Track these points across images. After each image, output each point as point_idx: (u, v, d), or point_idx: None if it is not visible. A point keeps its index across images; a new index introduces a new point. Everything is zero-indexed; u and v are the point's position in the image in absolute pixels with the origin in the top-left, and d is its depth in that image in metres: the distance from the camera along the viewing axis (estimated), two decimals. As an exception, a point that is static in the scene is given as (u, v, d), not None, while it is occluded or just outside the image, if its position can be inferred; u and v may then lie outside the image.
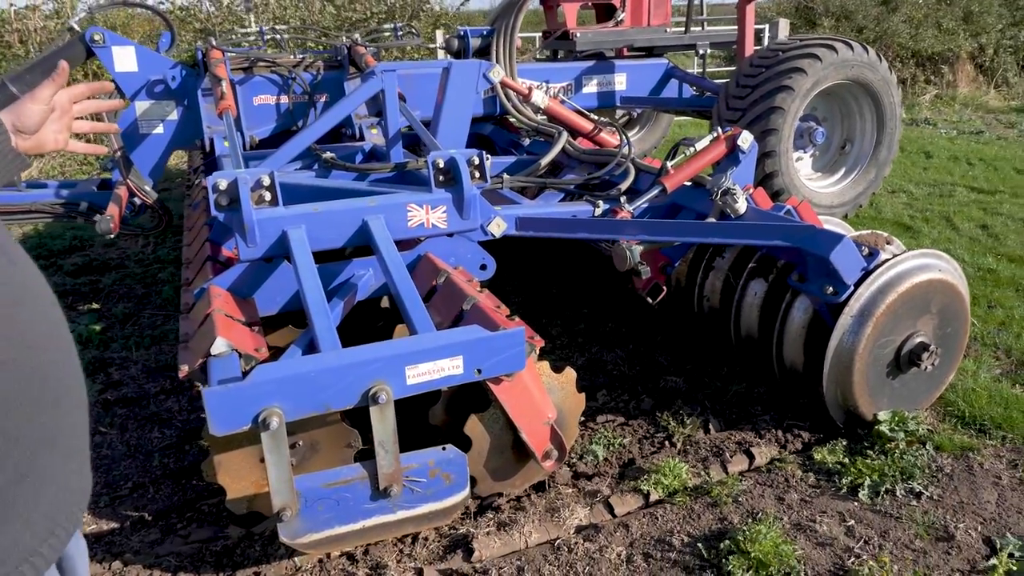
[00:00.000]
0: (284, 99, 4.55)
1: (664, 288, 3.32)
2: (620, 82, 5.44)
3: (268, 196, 2.73)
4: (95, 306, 4.89)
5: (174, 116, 4.39)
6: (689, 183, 3.38)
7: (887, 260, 2.69)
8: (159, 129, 4.38)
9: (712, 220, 3.10)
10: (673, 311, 3.72)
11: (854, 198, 4.85)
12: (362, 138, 4.48)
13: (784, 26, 11.01)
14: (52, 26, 9.82)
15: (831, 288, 2.70)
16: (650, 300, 3.32)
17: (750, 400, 3.24)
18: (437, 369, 2.15)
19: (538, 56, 5.78)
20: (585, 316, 4.23)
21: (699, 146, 3.29)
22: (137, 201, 4.19)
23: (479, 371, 2.20)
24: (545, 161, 4.11)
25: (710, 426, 3.06)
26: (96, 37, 4.14)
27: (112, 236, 3.56)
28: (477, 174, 2.98)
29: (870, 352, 2.69)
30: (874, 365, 2.73)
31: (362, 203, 2.84)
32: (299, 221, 2.72)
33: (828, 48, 4.38)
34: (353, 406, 2.07)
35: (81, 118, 1.60)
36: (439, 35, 9.86)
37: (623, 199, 3.26)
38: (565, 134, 4.23)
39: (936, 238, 5.26)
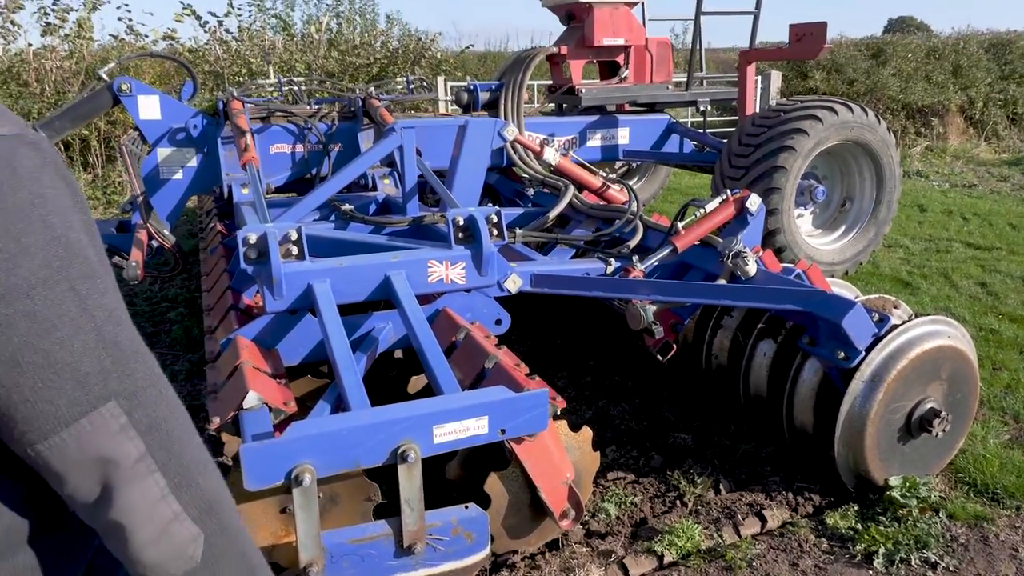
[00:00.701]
0: (299, 148, 4.65)
1: (675, 346, 3.38)
2: (623, 136, 5.58)
3: (295, 250, 2.80)
4: (103, 346, 4.91)
5: (193, 163, 4.48)
6: (698, 243, 3.47)
7: (897, 326, 2.77)
8: (179, 175, 4.47)
9: (723, 282, 3.19)
10: (680, 367, 3.79)
11: (854, 255, 4.97)
12: (375, 188, 4.58)
13: (776, 78, 11.27)
14: (68, 66, 9.98)
15: (842, 353, 2.77)
16: (660, 358, 3.38)
17: (759, 460, 3.29)
18: (463, 429, 2.20)
19: (543, 110, 5.94)
20: (591, 368, 4.29)
21: (708, 208, 3.39)
22: (155, 244, 4.26)
23: (503, 431, 2.25)
24: (553, 214, 4.21)
25: (720, 486, 3.10)
26: (123, 87, 4.26)
27: (137, 282, 3.61)
28: (495, 232, 3.06)
29: (881, 417, 2.75)
30: (885, 430, 2.79)
31: (385, 258, 2.91)
32: (324, 275, 2.79)
33: (828, 110, 4.52)
34: (382, 464, 2.11)
35: None
36: (440, 81, 10.06)
37: (635, 258, 3.34)
38: (572, 188, 4.33)
39: (935, 295, 5.36)
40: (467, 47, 13.37)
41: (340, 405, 2.36)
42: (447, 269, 2.99)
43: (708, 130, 5.91)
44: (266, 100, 5.05)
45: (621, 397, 3.95)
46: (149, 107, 4.43)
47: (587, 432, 2.65)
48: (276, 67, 10.31)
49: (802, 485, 3.07)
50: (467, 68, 14.10)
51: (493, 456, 2.61)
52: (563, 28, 5.70)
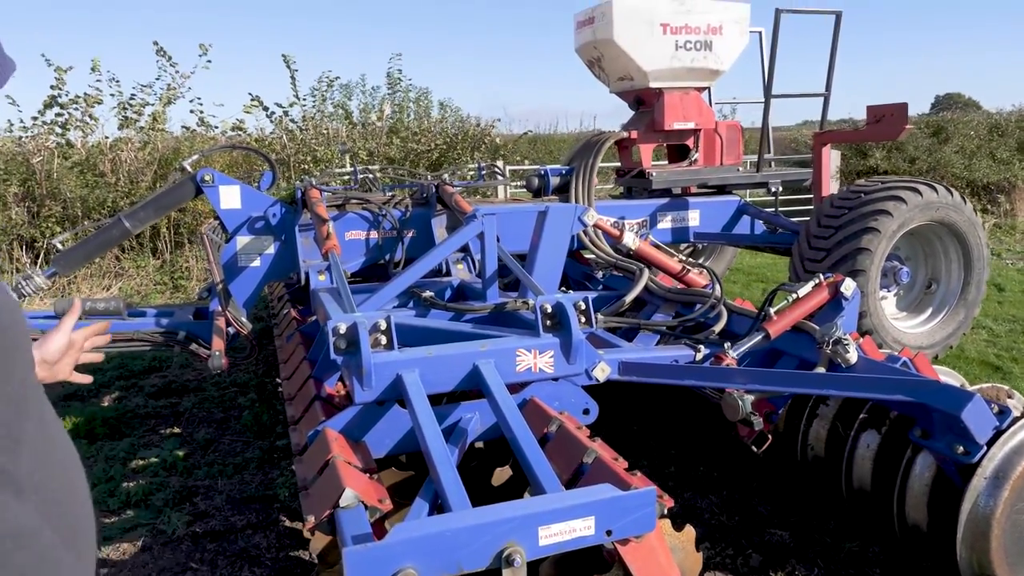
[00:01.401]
0: (374, 234, 4.70)
1: (770, 436, 3.23)
2: (693, 218, 5.53)
3: (384, 340, 2.76)
4: (176, 430, 4.93)
5: (271, 250, 4.56)
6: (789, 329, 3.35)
7: (1019, 418, 2.59)
8: (256, 263, 4.54)
9: (822, 370, 3.05)
10: (769, 457, 3.61)
11: (944, 339, 4.76)
12: (448, 273, 4.58)
13: (836, 157, 11.15)
14: (141, 156, 10.46)
15: (961, 447, 2.59)
16: (755, 449, 3.23)
17: (866, 560, 3.07)
18: (569, 530, 2.09)
19: (612, 194, 5.95)
20: (673, 457, 4.12)
21: (801, 292, 3.28)
22: (231, 331, 4.30)
23: (609, 532, 2.13)
24: (629, 298, 4.15)
25: (828, 589, 2.89)
26: (206, 178, 4.39)
27: (220, 372, 3.63)
28: (583, 319, 3.00)
29: (1008, 518, 2.54)
30: (1012, 531, 2.57)
31: (473, 347, 2.86)
32: (413, 365, 2.74)
33: (912, 191, 4.42)
34: (485, 568, 2.01)
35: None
36: (499, 165, 10.24)
37: (727, 345, 3.23)
38: (647, 271, 4.27)
39: (1030, 380, 5.09)
40: (526, 132, 13.67)
41: (438, 503, 2.27)
42: (535, 357, 2.92)
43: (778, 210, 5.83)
44: (345, 188, 5.15)
45: (708, 488, 3.77)
46: (230, 197, 4.55)
47: (690, 531, 2.50)
48: (350, 156, 10.62)
49: (919, 591, 2.85)
50: (520, 152, 14.41)
51: (587, 556, 2.47)
52: (630, 113, 5.76)
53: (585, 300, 3.03)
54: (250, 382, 5.71)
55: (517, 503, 2.10)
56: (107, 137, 10.93)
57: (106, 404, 5.50)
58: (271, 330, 5.75)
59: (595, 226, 3.83)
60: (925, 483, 2.82)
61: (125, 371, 6.22)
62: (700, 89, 5.38)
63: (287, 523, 3.69)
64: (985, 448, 2.57)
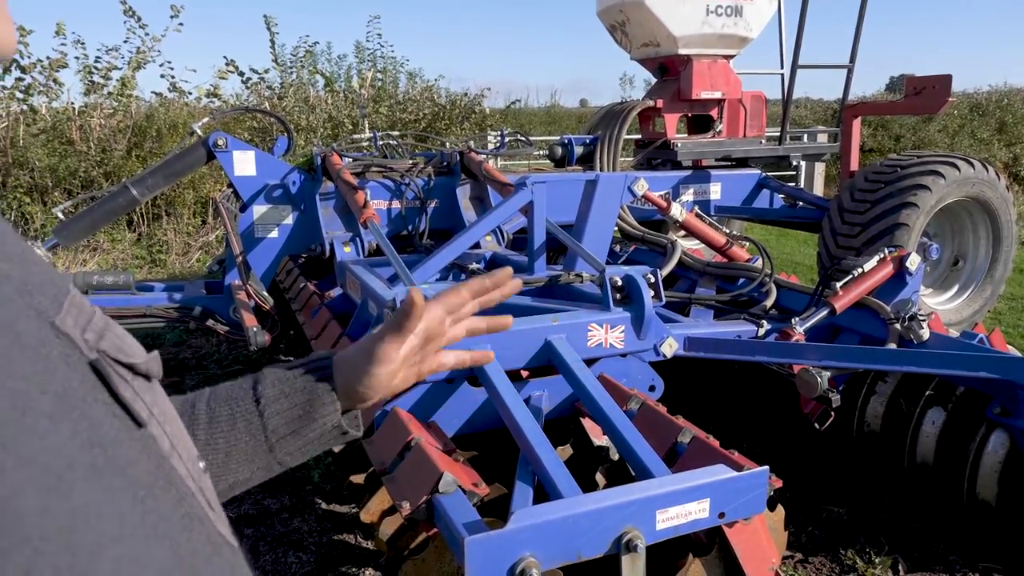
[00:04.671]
0: (396, 204, 4.52)
1: (832, 413, 3.16)
2: (715, 191, 5.44)
3: (454, 314, 2.62)
4: (184, 410, 4.71)
5: (289, 220, 4.35)
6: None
7: (1110, 396, 2.56)
8: (274, 233, 4.33)
9: (893, 346, 2.99)
10: (814, 434, 3.56)
11: (971, 315, 4.77)
12: (477, 245, 4.42)
13: (823, 137, 11.21)
14: (114, 123, 9.94)
15: (1047, 424, 2.56)
16: (818, 426, 3.16)
17: (928, 536, 3.04)
18: (685, 513, 1.99)
19: (633, 165, 5.82)
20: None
21: (866, 267, 3.21)
22: (252, 305, 4.09)
23: (722, 515, 2.04)
24: (664, 272, 4.04)
25: (900, 566, 2.85)
26: (219, 142, 4.15)
27: (264, 348, 3.44)
28: (652, 292, 2.89)
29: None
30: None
31: (544, 321, 2.73)
32: (485, 341, 2.60)
33: (950, 165, 4.37)
34: (603, 554, 1.90)
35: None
36: (490, 137, 10.03)
37: (794, 320, 3.14)
38: (680, 245, 4.18)
39: (1045, 356, 5.14)
40: (515, 101, 13.43)
41: (541, 487, 2.14)
42: (606, 332, 2.81)
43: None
44: (364, 155, 4.93)
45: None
46: (245, 163, 4.31)
47: (781, 511, 2.42)
48: (318, 120, 10.22)
49: (988, 566, 2.83)
50: (505, 123, 14.20)
51: (677, 540, 2.38)
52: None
53: (654, 272, 2.92)
54: (245, 357, 5.49)
55: (633, 486, 1.98)
56: (73, 103, 10.37)
57: (103, 381, 5.24)
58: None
59: (643, 196, 3.70)
60: (998, 460, 2.78)
61: (119, 347, 5.94)
62: (728, 57, 5.27)
63: (324, 506, 3.54)
64: (1072, 425, 2.54)
